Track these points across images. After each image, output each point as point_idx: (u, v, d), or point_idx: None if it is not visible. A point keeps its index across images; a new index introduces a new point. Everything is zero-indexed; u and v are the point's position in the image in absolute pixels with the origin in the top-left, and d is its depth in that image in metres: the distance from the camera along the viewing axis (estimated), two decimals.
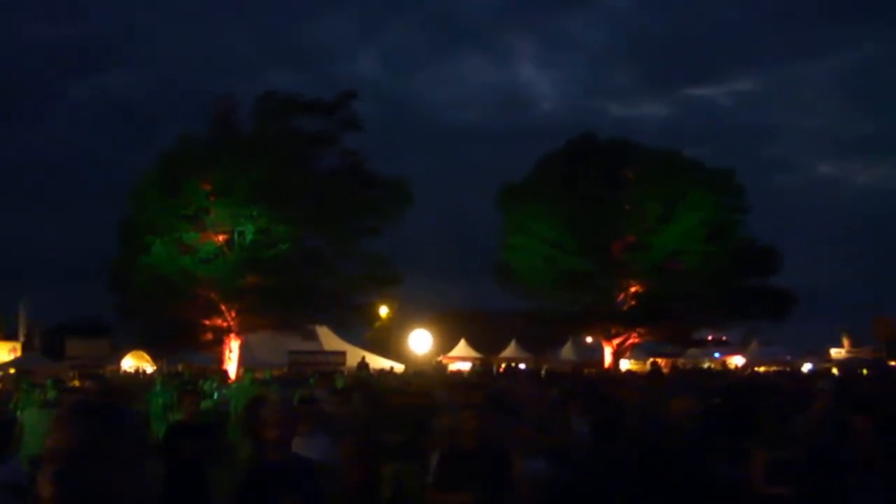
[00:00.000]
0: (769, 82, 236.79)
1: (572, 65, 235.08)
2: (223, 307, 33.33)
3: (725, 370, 38.77)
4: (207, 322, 33.88)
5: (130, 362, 37.56)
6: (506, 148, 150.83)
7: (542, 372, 27.78)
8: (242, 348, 34.47)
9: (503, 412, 10.48)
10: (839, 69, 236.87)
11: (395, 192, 35.39)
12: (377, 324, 50.16)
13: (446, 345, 50.70)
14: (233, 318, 33.63)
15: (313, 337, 37.22)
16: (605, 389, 15.39)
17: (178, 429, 9.44)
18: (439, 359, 45.65)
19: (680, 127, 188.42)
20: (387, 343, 47.85)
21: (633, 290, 41.63)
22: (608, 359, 42.40)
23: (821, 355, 62.01)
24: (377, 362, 37.21)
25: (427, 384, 16.74)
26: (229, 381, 23.80)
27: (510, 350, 50.69)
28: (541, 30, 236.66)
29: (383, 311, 48.70)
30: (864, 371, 31.09)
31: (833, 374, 28.72)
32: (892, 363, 53.54)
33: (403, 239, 38.57)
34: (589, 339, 50.14)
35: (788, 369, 40.99)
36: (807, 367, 49.51)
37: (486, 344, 51.46)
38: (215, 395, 19.73)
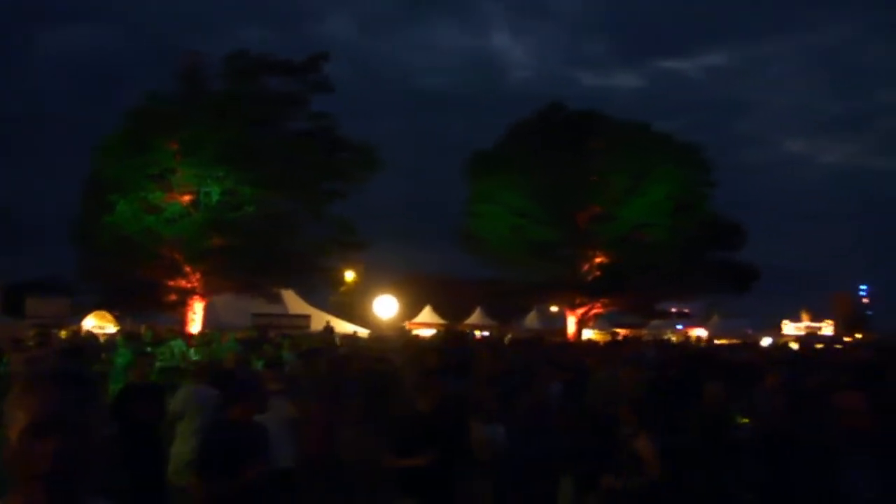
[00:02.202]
0: (741, 58, 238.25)
1: (546, 34, 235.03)
2: (187, 268, 33.11)
3: (684, 342, 39.06)
4: (171, 283, 33.65)
5: (93, 322, 37.16)
6: (477, 115, 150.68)
7: (506, 340, 27.94)
8: (207, 310, 34.34)
9: (464, 378, 10.55)
10: (811, 48, 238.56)
11: (363, 156, 35.29)
12: (343, 288, 50.06)
13: (412, 311, 50.74)
14: (197, 280, 33.45)
15: (278, 300, 37.04)
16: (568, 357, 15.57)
17: (130, 391, 9.36)
18: (404, 324, 45.66)
19: (651, 99, 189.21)
20: (352, 308, 47.75)
21: (598, 260, 41.82)
22: (571, 328, 42.68)
23: (780, 329, 62.87)
24: (342, 327, 37.11)
25: (388, 349, 16.80)
26: (191, 344, 23.66)
27: (475, 317, 50.83)
28: None
29: (349, 275, 48.60)
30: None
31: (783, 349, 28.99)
32: (848, 339, 54.36)
33: (371, 204, 38.48)
34: (554, 309, 50.43)
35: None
36: (766, 341, 50.16)
37: (451, 311, 51.58)
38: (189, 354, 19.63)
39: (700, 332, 53.81)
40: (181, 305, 34.17)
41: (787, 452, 8.89)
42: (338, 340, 25.95)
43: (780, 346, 32.16)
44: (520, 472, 8.26)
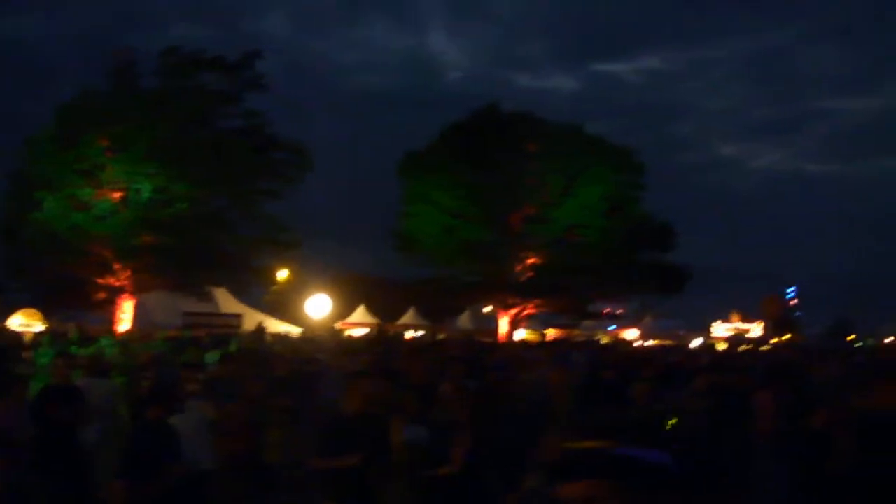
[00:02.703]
0: (676, 62, 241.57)
1: (483, 35, 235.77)
2: (117, 266, 32.72)
3: (614, 343, 39.62)
4: (101, 281, 33.23)
5: (20, 320, 36.50)
6: (412, 115, 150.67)
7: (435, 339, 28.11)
8: (137, 309, 33.95)
9: (388, 379, 10.63)
10: (745, 54, 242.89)
11: (296, 155, 35.22)
12: (276, 287, 49.81)
13: (345, 310, 50.59)
14: (127, 278, 33.07)
15: (210, 299, 36.73)
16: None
17: (49, 392, 9.25)
18: (336, 324, 45.57)
19: (587, 101, 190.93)
20: (285, 307, 47.48)
21: (530, 261, 42.12)
22: (504, 329, 42.97)
23: (710, 330, 64.03)
24: (275, 326, 36.92)
25: (318, 349, 16.83)
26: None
27: (408, 317, 50.81)
28: None
29: (282, 274, 48.39)
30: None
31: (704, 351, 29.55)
32: (775, 340, 55.52)
33: (305, 202, 38.36)
34: (487, 309, 50.65)
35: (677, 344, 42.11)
36: (697, 342, 51.05)
37: (384, 311, 51.53)
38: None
39: (632, 333, 54.58)
40: (110, 304, 33.77)
41: (705, 452, 9.15)
42: (269, 340, 25.91)
43: (707, 348, 32.84)
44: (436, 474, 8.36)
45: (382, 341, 27.23)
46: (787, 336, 63.00)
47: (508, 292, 42.20)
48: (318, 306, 43.27)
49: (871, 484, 7.13)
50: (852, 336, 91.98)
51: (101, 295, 33.73)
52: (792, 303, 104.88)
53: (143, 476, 5.78)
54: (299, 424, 9.25)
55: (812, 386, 11.29)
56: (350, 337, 37.87)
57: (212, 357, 13.61)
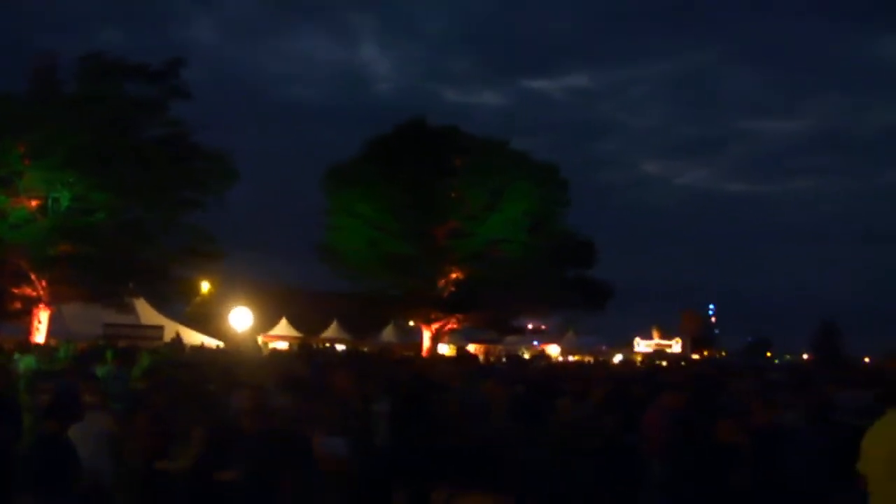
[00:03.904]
0: (603, 80, 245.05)
1: (412, 48, 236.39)
2: (33, 276, 32.06)
3: (534, 358, 39.96)
4: (16, 290, 32.55)
5: None
6: (340, 127, 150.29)
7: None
8: (56, 319, 33.29)
9: (302, 392, 10.62)
10: (670, 73, 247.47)
11: (220, 165, 34.82)
12: (198, 299, 49.33)
13: (268, 323, 50.24)
14: (43, 288, 32.40)
15: (130, 310, 36.22)
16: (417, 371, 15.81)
17: None
18: (258, 337, 45.22)
19: (514, 117, 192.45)
20: (207, 319, 47.03)
21: (454, 276, 42.29)
22: (427, 343, 43.03)
23: (632, 346, 64.97)
24: (196, 338, 36.53)
25: (236, 362, 16.71)
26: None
27: (331, 331, 50.73)
28: (384, 11, 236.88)
29: (205, 286, 47.94)
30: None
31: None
32: (696, 356, 56.54)
33: (229, 213, 38.00)
34: (411, 323, 50.72)
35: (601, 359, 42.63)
36: (618, 358, 51.75)
37: (308, 324, 51.34)
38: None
39: (554, 349, 55.09)
40: (26, 314, 33.07)
41: (610, 461, 9.38)
42: (187, 351, 25.63)
43: (617, 363, 33.31)
44: (358, 485, 8.39)
45: (305, 354, 27.10)
46: (706, 352, 64.25)
47: (431, 306, 42.27)
48: (240, 319, 42.87)
49: (769, 492, 7.38)
50: (769, 353, 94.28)
51: (17, 305, 33.02)
52: (712, 319, 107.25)
53: (43, 490, 5.72)
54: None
55: (725, 400, 11.60)
56: (272, 350, 37.61)
57: (102, 370, 13.34)
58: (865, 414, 8.40)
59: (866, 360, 76.41)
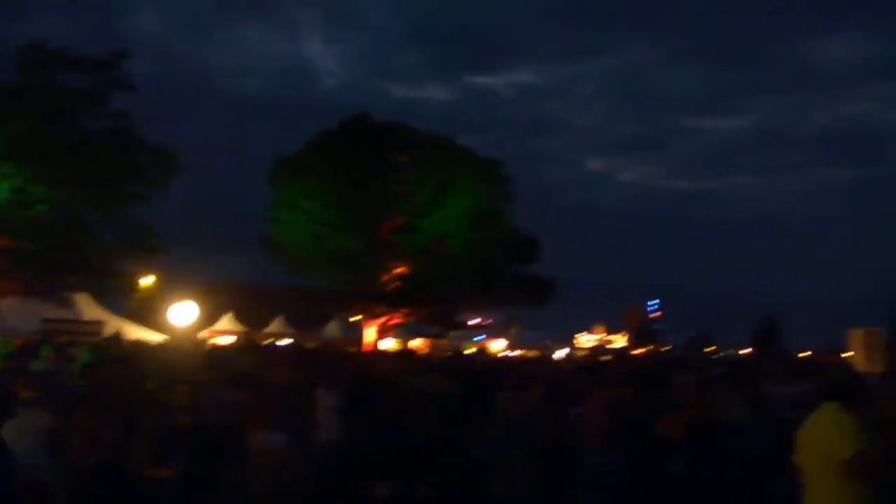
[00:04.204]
0: (549, 78, 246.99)
1: (359, 43, 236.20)
2: None
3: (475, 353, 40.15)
4: None
5: None
6: (286, 120, 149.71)
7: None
8: None
9: (245, 387, 10.62)
10: (614, 72, 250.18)
11: (163, 159, 34.48)
12: (140, 293, 48.73)
13: (212, 318, 49.77)
14: None
15: (71, 305, 35.68)
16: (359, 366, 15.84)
17: None
18: (203, 332, 44.79)
19: (460, 113, 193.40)
20: (150, 314, 46.45)
21: (398, 270, 42.33)
22: (371, 337, 42.98)
23: (576, 341, 65.49)
24: (138, 333, 36.07)
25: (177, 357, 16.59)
26: None
27: (276, 325, 50.38)
28: (330, 5, 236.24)
29: (147, 280, 47.33)
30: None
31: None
32: (639, 350, 57.11)
33: (173, 207, 37.65)
34: (355, 318, 50.59)
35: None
36: (562, 353, 52.09)
37: (252, 318, 50.94)
38: None
39: (499, 344, 55.29)
40: None
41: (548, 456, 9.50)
42: (127, 347, 25.31)
43: (571, 358, 33.57)
44: (298, 481, 8.41)
45: (249, 349, 26.94)
46: (649, 347, 64.89)
47: (376, 301, 42.27)
48: (184, 313, 42.44)
49: (707, 483, 7.55)
50: (712, 347, 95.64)
51: None
52: (654, 315, 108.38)
53: None
54: (138, 433, 9.11)
55: (667, 394, 11.77)
56: (215, 345, 37.31)
57: (37, 365, 13.20)
58: (802, 407, 8.62)
59: (805, 354, 78.00)
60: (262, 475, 8.35)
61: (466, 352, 37.85)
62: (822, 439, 5.41)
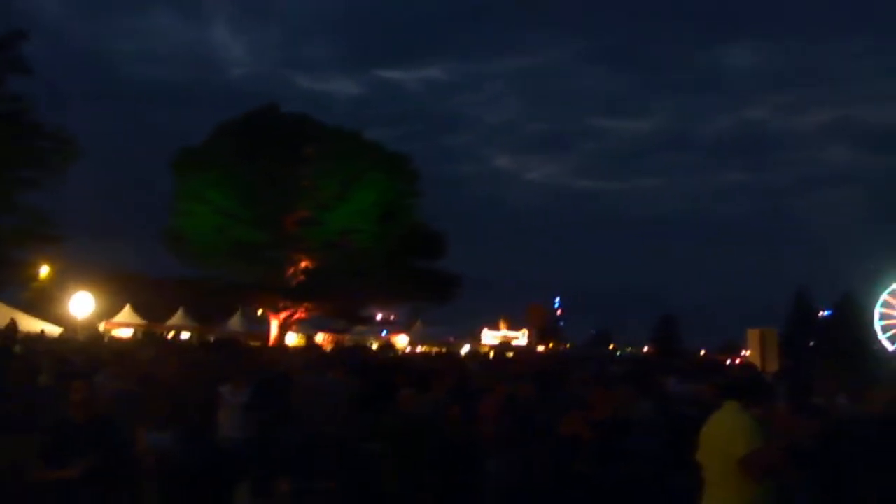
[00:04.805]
0: (457, 74, 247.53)
1: (267, 33, 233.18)
2: None
3: (381, 348, 40.06)
4: None
5: None
6: (190, 110, 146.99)
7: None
8: None
9: (142, 384, 10.31)
10: (523, 70, 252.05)
11: (60, 144, 33.54)
12: (36, 283, 47.43)
13: (111, 310, 48.70)
14: None
15: None
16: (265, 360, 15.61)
17: None
18: (101, 325, 43.80)
19: (368, 106, 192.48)
20: (46, 305, 45.24)
21: (303, 264, 41.96)
22: (274, 331, 42.54)
23: (479, 337, 65.80)
24: (34, 325, 35.07)
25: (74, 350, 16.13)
26: None
27: (177, 318, 49.56)
28: None
29: (43, 270, 46.09)
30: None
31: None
32: (541, 347, 57.67)
33: (72, 195, 36.69)
34: (259, 312, 50.07)
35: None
36: (466, 349, 52.35)
37: (152, 311, 50.01)
38: None
39: (403, 339, 55.31)
40: None
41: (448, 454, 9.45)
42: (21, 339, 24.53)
43: (474, 354, 33.66)
44: (189, 479, 8.18)
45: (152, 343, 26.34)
46: (551, 344, 65.63)
47: (280, 295, 41.82)
48: (81, 305, 41.41)
49: (614, 483, 7.57)
50: (612, 345, 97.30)
51: None
52: (558, 312, 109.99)
53: None
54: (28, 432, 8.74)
55: (570, 392, 11.80)
56: (114, 338, 36.50)
57: None
58: (699, 405, 8.73)
59: (702, 352, 79.83)
60: (147, 474, 8.11)
61: (372, 347, 37.81)
62: (721, 437, 5.48)
